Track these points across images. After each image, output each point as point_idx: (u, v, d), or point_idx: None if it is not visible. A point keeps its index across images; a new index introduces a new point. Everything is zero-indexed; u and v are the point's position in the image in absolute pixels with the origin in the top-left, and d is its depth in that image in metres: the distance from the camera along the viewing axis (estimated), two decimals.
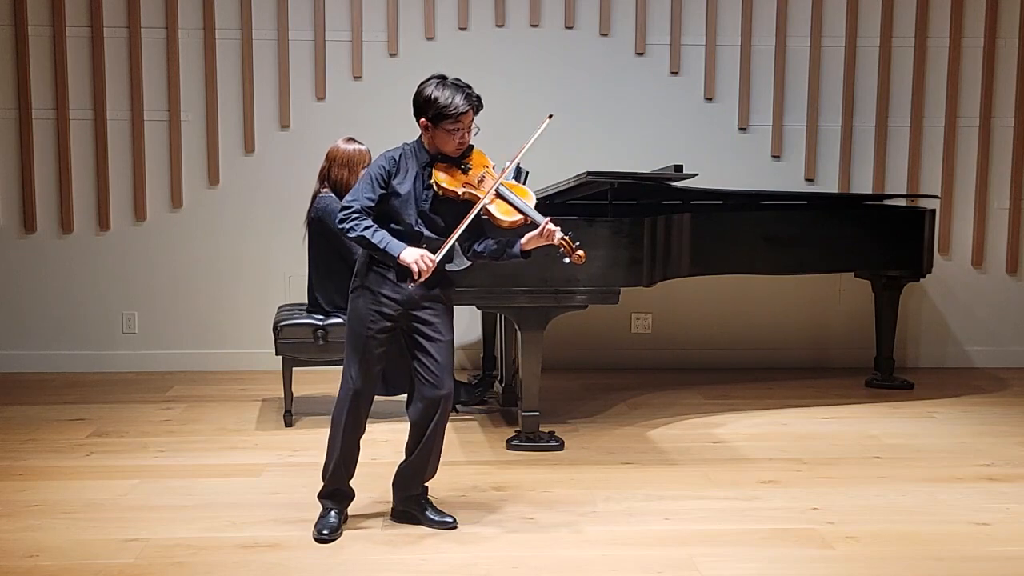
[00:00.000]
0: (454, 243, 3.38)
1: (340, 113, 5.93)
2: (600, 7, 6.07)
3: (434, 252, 3.33)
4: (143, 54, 5.92)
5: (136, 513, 3.69)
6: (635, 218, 4.52)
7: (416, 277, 3.29)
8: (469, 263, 4.37)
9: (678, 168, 4.81)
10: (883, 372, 5.78)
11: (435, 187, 3.41)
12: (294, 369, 4.85)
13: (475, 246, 3.55)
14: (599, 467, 4.28)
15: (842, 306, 6.30)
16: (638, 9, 6.08)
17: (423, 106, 3.38)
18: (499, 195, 3.42)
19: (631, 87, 6.13)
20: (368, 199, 3.38)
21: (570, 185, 4.72)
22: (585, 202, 5.22)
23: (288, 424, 4.85)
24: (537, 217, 3.42)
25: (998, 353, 6.36)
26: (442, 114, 3.34)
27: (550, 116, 3.51)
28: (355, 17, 5.98)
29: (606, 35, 6.10)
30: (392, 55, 5.95)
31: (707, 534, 3.53)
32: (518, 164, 4.71)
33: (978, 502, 3.88)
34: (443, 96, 3.34)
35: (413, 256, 3.30)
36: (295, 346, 4.79)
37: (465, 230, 3.38)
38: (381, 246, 3.33)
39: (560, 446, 4.51)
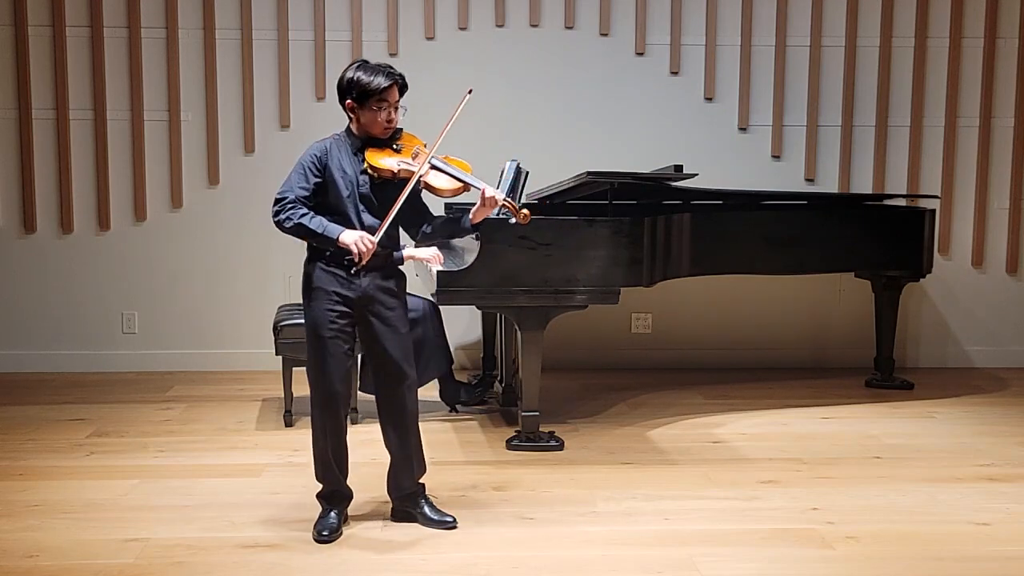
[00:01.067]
0: (393, 222, 3.38)
1: (340, 113, 5.85)
2: (600, 7, 6.07)
3: (373, 234, 3.34)
4: (143, 54, 5.92)
5: (136, 513, 3.69)
6: (635, 218, 4.52)
7: (357, 259, 3.29)
8: (468, 263, 4.38)
9: (678, 168, 4.81)
10: (883, 372, 5.77)
11: (369, 169, 3.40)
12: (294, 369, 4.85)
13: (424, 228, 3.55)
14: (599, 467, 4.28)
15: (842, 306, 6.30)
16: (638, 9, 6.08)
17: (347, 88, 3.40)
18: (434, 167, 3.45)
19: (631, 87, 6.13)
20: (302, 188, 3.37)
21: (570, 185, 4.72)
22: (585, 202, 5.23)
23: (288, 424, 4.85)
24: (476, 183, 3.46)
25: (998, 353, 6.36)
26: (366, 91, 3.36)
27: (470, 91, 3.52)
28: (355, 17, 5.98)
29: (606, 35, 6.10)
30: (392, 55, 5.95)
31: (707, 534, 3.53)
32: (518, 164, 4.74)
33: (978, 502, 3.88)
34: (365, 75, 3.37)
35: (352, 237, 3.29)
36: (295, 346, 4.79)
37: (409, 211, 3.41)
38: (319, 231, 3.32)
39: (560, 446, 4.51)
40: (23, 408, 5.18)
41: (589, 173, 4.51)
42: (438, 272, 4.36)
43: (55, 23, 5.87)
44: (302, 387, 5.12)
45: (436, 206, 3.69)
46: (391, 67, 3.42)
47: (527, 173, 4.74)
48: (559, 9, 6.07)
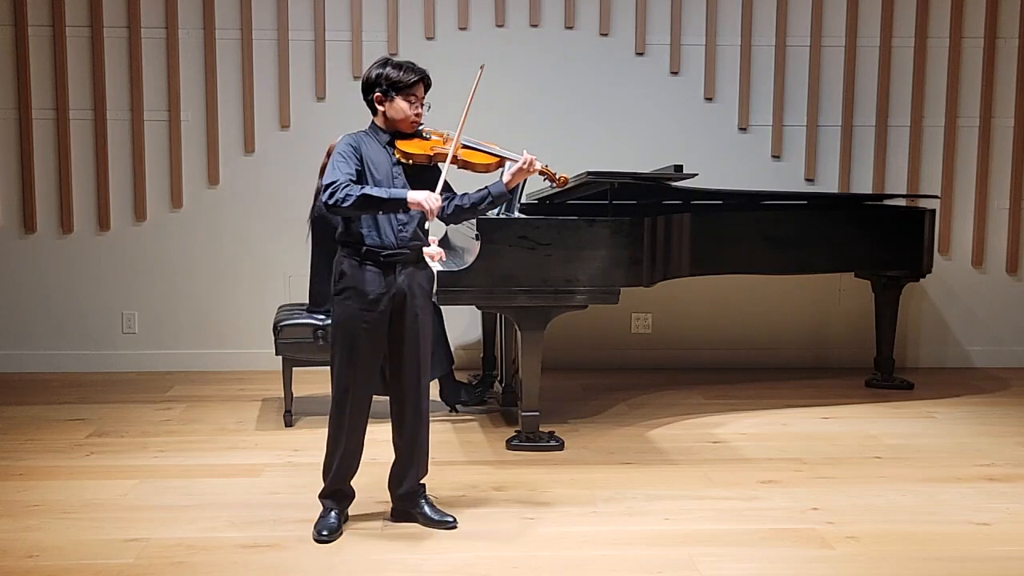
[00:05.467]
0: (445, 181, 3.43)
1: (340, 113, 5.92)
2: (600, 7, 6.07)
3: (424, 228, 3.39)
4: (143, 54, 5.92)
5: (136, 513, 3.69)
6: (635, 218, 4.52)
7: (429, 217, 3.29)
8: (468, 263, 4.38)
9: (678, 168, 4.81)
10: (883, 372, 5.77)
11: (402, 157, 3.45)
12: (294, 369, 4.85)
13: (455, 202, 3.54)
14: (599, 467, 4.28)
15: (842, 306, 6.30)
16: (638, 9, 6.08)
17: (375, 82, 3.45)
18: (467, 146, 3.53)
19: (631, 87, 6.13)
20: (348, 173, 3.35)
21: (570, 185, 4.72)
22: (585, 202, 5.22)
23: (288, 424, 4.85)
24: (512, 155, 3.55)
25: (998, 353, 6.36)
26: (396, 85, 3.43)
27: (482, 66, 3.60)
28: (355, 17, 5.98)
29: (606, 35, 6.10)
30: (392, 55, 5.93)
31: (707, 534, 3.53)
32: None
33: (978, 502, 3.88)
34: (394, 70, 3.45)
35: (423, 195, 3.28)
36: (295, 346, 4.79)
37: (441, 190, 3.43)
38: (386, 196, 3.30)
39: (560, 446, 4.51)
40: (23, 408, 5.18)
41: (589, 173, 4.51)
42: (438, 272, 4.36)
43: (55, 23, 5.87)
44: (302, 387, 5.16)
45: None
46: (415, 64, 3.50)
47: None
48: (559, 9, 6.07)
